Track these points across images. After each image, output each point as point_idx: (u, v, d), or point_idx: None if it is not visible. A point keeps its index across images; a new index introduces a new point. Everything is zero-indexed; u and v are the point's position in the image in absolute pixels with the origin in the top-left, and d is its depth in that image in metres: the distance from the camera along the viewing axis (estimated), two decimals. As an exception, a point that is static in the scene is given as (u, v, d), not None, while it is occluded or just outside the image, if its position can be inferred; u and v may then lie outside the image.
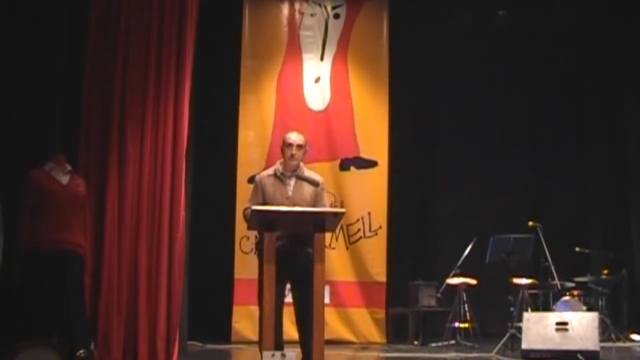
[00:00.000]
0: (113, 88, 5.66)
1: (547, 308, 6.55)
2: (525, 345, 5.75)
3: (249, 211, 4.61)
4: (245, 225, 4.78)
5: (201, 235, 6.93)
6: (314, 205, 4.70)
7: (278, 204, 4.62)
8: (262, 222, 4.44)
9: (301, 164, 4.79)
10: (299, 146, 4.72)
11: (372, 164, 7.16)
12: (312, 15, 7.19)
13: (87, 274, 5.32)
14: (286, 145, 4.72)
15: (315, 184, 4.71)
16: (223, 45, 7.25)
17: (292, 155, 4.68)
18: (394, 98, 7.25)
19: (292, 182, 4.73)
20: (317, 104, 7.19)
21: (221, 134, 7.22)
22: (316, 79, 7.22)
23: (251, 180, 6.52)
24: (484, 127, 7.66)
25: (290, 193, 4.70)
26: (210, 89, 7.15)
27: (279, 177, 4.74)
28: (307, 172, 4.84)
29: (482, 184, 7.62)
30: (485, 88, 7.70)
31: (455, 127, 7.72)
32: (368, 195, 7.14)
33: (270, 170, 4.84)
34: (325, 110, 7.20)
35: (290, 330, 4.70)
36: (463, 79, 7.67)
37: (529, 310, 6.27)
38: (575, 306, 6.47)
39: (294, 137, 4.72)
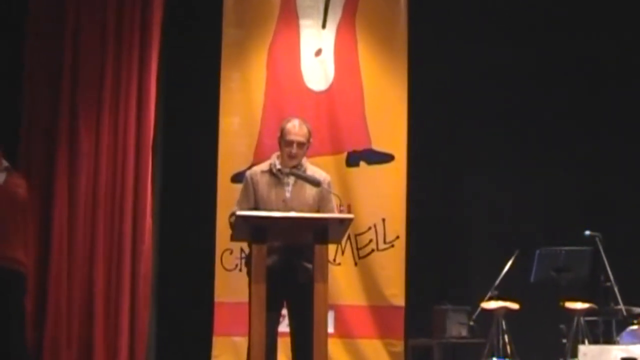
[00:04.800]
0: (61, 68, 5.77)
1: (609, 340, 6.50)
2: (581, 386, 5.85)
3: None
4: (228, 235, 4.85)
5: (173, 249, 6.95)
6: (317, 211, 4.74)
7: (273, 208, 4.67)
8: (250, 231, 4.45)
9: (304, 159, 4.86)
10: (300, 145, 4.79)
11: (387, 158, 7.08)
12: (310, -29, 7.32)
13: (29, 298, 5.33)
14: (285, 141, 4.79)
15: (315, 184, 4.75)
16: (199, 11, 7.20)
17: (292, 156, 4.76)
18: (414, 75, 7.16)
19: (291, 180, 4.79)
20: (317, 82, 7.11)
21: (198, 122, 7.14)
22: (317, 51, 7.15)
23: (235, 179, 6.70)
24: (527, 112, 7.56)
25: (287, 194, 4.76)
26: (183, 66, 7.10)
27: (275, 175, 4.79)
28: (311, 168, 4.90)
29: (525, 184, 7.51)
30: (530, 63, 7.56)
31: (490, 113, 7.59)
32: (382, 197, 7.04)
33: (264, 165, 4.88)
34: (328, 90, 7.11)
35: (286, 366, 4.75)
36: (502, 50, 7.55)
37: (586, 342, 6.23)
38: (645, 337, 6.63)
39: (295, 133, 4.77)
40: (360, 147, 7.09)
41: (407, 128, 7.10)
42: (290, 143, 4.75)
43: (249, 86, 7.13)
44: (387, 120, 7.15)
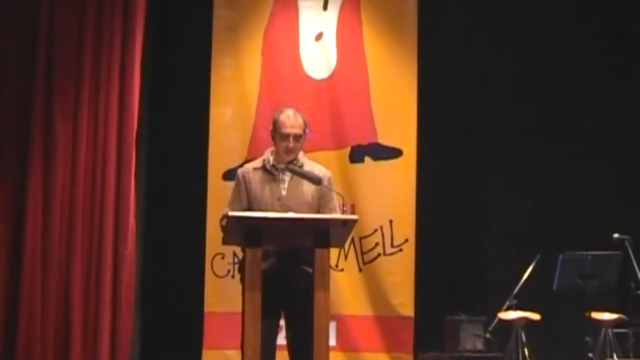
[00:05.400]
0: (35, 49, 5.69)
1: (639, 354, 6.52)
2: (610, 406, 5.83)
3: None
4: (220, 238, 4.78)
5: (158, 253, 6.94)
6: (317, 211, 4.72)
7: (268, 208, 4.66)
8: (243, 233, 4.42)
9: (300, 154, 4.84)
10: (297, 137, 4.76)
11: (394, 153, 7.03)
12: (311, -55, 7.26)
13: (-1, 308, 5.42)
14: (280, 135, 4.77)
15: (315, 181, 4.72)
16: (188, -10, 7.27)
17: (289, 150, 4.75)
18: (424, 61, 7.10)
19: (288, 177, 4.78)
20: (318, 70, 7.06)
21: (186, 113, 7.10)
22: (317, 35, 7.10)
23: (228, 176, 6.68)
24: (549, 103, 7.50)
25: (283, 192, 4.74)
26: (170, 51, 7.06)
27: (269, 171, 4.78)
28: (309, 164, 4.87)
29: (547, 182, 7.46)
30: (555, 50, 7.50)
31: (509, 103, 7.54)
32: (389, 196, 7.00)
33: (257, 162, 4.87)
34: (330, 78, 7.06)
35: (283, 382, 4.75)
36: (523, 33, 7.51)
37: (615, 356, 6.21)
38: (682, 352, 6.52)
39: (290, 125, 4.74)
40: (365, 141, 7.03)
41: (417, 120, 7.03)
42: (286, 136, 4.72)
43: (243, 74, 7.07)
44: (395, 111, 7.07)
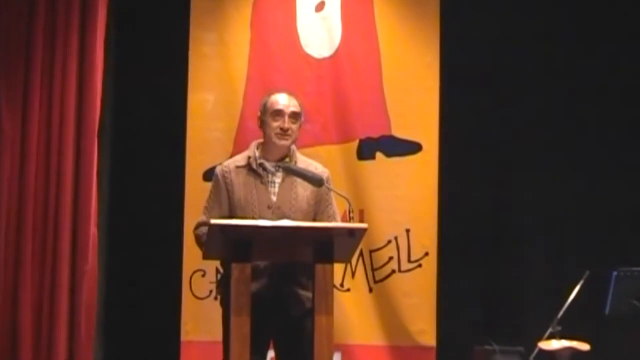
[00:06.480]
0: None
1: None
2: None
3: (204, 229, 4.60)
4: (200, 252, 4.77)
5: (126, 269, 6.90)
6: (314, 218, 4.78)
7: (254, 216, 4.68)
8: (228, 246, 4.43)
9: (293, 148, 4.83)
10: (294, 115, 4.77)
11: (412, 148, 7.02)
12: None
13: None
14: (271, 113, 4.76)
15: (317, 181, 4.72)
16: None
17: (284, 132, 4.73)
18: (448, 37, 7.09)
19: (279, 178, 4.78)
20: (319, 47, 7.03)
21: (159, 100, 7.04)
22: (318, 4, 7.07)
23: (209, 176, 6.59)
24: (596, 89, 7.46)
25: (274, 197, 4.74)
26: (140, 26, 7.00)
27: (255, 170, 4.77)
28: (303, 161, 4.87)
29: (596, 184, 7.41)
30: (594, 29, 7.48)
31: (548, 88, 7.48)
32: (406, 200, 6.99)
33: (240, 159, 4.86)
34: (334, 57, 7.03)
35: None
36: (565, 6, 7.47)
37: (681, 396, 6.22)
38: None
39: (284, 101, 4.77)
40: (376, 134, 7.03)
41: (439, 108, 7.03)
42: (279, 113, 4.73)
43: (228, 52, 7.04)
44: (413, 97, 7.05)
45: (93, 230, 6.18)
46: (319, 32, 7.05)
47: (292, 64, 6.98)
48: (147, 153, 7.05)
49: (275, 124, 4.71)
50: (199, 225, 4.75)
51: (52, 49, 6.17)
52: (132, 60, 7.01)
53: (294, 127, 4.74)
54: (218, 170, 4.85)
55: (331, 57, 7.04)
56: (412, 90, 7.06)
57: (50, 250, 6.07)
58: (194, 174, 6.86)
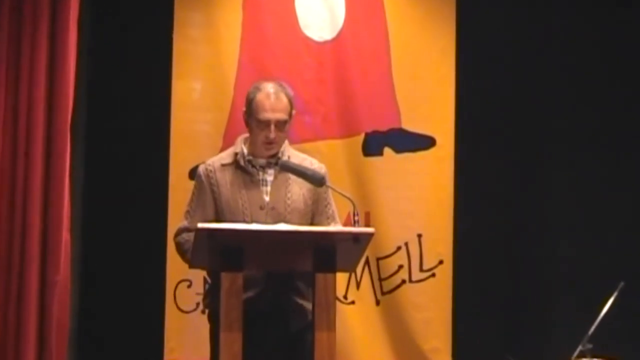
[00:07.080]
0: None
1: None
2: None
3: (187, 235, 4.67)
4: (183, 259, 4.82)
5: (102, 280, 6.89)
6: (311, 221, 4.83)
7: (245, 219, 4.70)
8: (217, 253, 4.44)
9: (285, 142, 4.86)
10: (281, 124, 4.75)
11: (424, 142, 7.09)
12: None
13: None
14: (257, 121, 4.75)
15: (318, 180, 4.74)
16: None
17: (270, 142, 4.77)
18: (465, 20, 7.11)
19: (271, 175, 4.83)
20: (320, 29, 7.06)
21: (139, 90, 7.06)
22: None
23: (195, 174, 6.67)
24: (624, 83, 7.55)
25: (266, 197, 4.78)
26: (118, 6, 6.93)
27: (244, 168, 4.79)
28: (296, 156, 4.91)
29: (630, 184, 7.53)
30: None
31: (576, 76, 7.53)
32: (418, 201, 7.07)
33: (226, 156, 4.90)
34: (337, 40, 7.06)
35: None
36: None
37: None
38: None
39: (271, 108, 4.76)
40: (384, 127, 7.10)
41: (455, 98, 7.07)
42: (264, 124, 4.71)
43: (218, 35, 7.06)
44: (426, 86, 7.09)
45: (65, 236, 6.19)
46: (320, 12, 7.10)
47: (289, 48, 6.99)
48: (127, 149, 7.03)
49: (261, 134, 4.73)
50: (180, 231, 4.73)
51: (17, 33, 6.19)
52: (109, 43, 6.98)
53: (281, 134, 4.74)
54: (201, 169, 4.84)
55: (333, 40, 7.09)
56: (424, 78, 7.13)
57: (17, 259, 6.11)
58: (178, 172, 6.89)
